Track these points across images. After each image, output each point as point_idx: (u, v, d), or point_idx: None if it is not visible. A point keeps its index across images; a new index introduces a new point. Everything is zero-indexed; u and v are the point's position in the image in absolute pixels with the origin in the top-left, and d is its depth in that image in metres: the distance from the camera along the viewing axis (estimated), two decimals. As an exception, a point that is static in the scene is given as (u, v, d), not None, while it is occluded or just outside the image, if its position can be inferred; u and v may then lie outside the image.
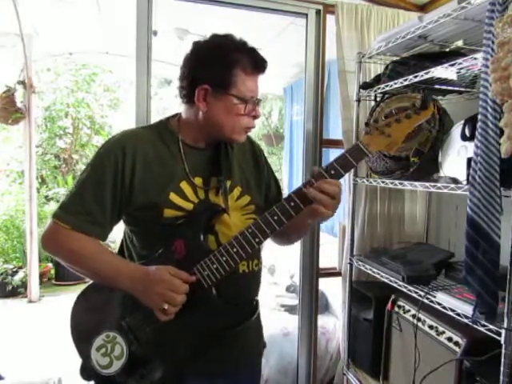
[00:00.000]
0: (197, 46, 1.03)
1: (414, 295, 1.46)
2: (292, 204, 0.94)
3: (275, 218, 0.94)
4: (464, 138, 1.38)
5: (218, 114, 1.00)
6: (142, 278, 0.93)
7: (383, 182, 1.72)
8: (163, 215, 0.99)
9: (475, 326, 1.18)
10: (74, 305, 1.05)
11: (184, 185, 1.02)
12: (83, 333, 1.01)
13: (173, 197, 1.00)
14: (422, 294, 1.42)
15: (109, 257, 0.99)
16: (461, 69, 1.36)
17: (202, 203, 1.03)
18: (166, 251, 0.99)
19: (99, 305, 1.02)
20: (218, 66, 0.98)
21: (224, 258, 0.95)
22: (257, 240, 0.95)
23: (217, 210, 1.03)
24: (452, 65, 1.35)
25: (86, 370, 1.00)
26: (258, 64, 1.01)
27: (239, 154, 1.15)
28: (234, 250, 0.95)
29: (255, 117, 1.05)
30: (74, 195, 1.00)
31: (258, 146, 1.24)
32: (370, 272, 1.77)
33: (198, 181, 1.04)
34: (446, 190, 1.33)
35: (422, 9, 2.17)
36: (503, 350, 1.09)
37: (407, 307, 1.61)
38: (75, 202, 0.99)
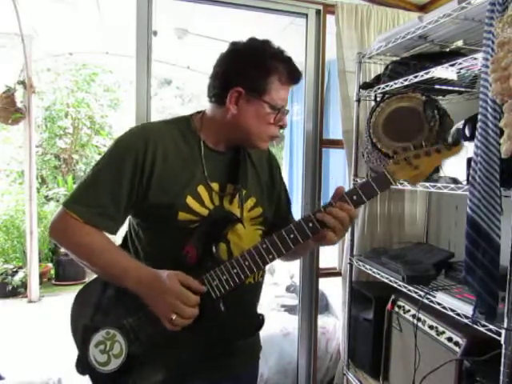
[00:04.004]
0: (235, 47, 1.01)
1: (414, 295, 1.46)
2: (310, 225, 0.93)
3: (291, 236, 0.93)
4: (464, 137, 1.38)
5: (247, 119, 0.99)
6: (151, 282, 0.90)
7: (383, 182, 1.71)
8: (177, 218, 0.98)
9: (475, 326, 1.18)
10: (76, 296, 1.04)
11: (201, 189, 1.01)
12: (83, 326, 1.00)
13: (190, 200, 0.99)
14: (422, 294, 1.42)
15: (117, 254, 0.97)
16: (461, 69, 1.36)
17: (218, 211, 1.02)
18: (176, 255, 0.97)
19: (103, 300, 1.01)
20: (256, 70, 0.97)
21: (235, 270, 0.94)
22: (270, 256, 0.94)
23: (232, 219, 1.01)
24: (452, 65, 1.35)
25: (82, 364, 0.99)
26: (293, 75, 1.01)
27: (257, 163, 1.14)
28: (246, 263, 0.94)
29: (282, 126, 1.04)
30: (88, 186, 0.97)
31: (274, 156, 1.23)
32: (370, 272, 1.77)
33: (214, 186, 1.03)
34: (446, 190, 1.33)
35: (422, 9, 2.17)
36: (503, 350, 1.09)
37: (407, 307, 1.61)
38: (89, 194, 0.96)
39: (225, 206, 1.04)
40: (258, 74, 0.97)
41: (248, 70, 0.97)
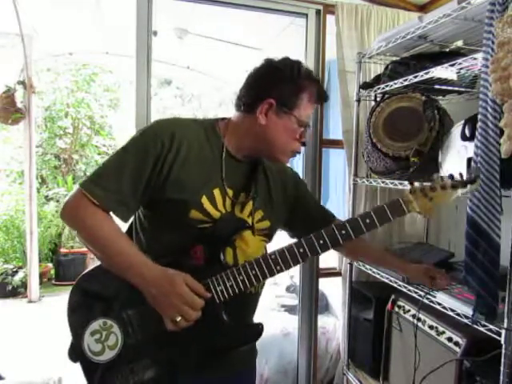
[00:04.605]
0: (270, 62, 1.05)
1: (414, 295, 1.46)
2: (321, 242, 0.95)
3: (301, 250, 0.95)
4: (464, 138, 1.38)
5: (275, 131, 1.02)
6: (157, 281, 0.90)
7: (383, 182, 1.72)
8: (189, 215, 0.98)
9: (475, 326, 1.18)
10: (78, 280, 1.04)
11: (217, 192, 1.02)
12: (80, 313, 0.99)
13: (204, 200, 1.00)
14: (422, 294, 1.42)
15: (126, 246, 0.95)
16: (461, 69, 1.36)
17: (231, 217, 1.03)
18: (182, 253, 0.98)
19: (104, 289, 1.00)
20: (289, 86, 1.01)
21: (241, 278, 0.95)
22: (278, 268, 0.95)
23: (244, 225, 1.03)
24: (452, 65, 1.35)
25: (75, 352, 0.98)
26: (321, 95, 1.06)
27: (271, 177, 1.15)
28: (253, 272, 0.95)
29: (304, 143, 1.07)
30: (110, 170, 0.96)
31: (295, 173, 1.25)
32: (370, 272, 1.77)
33: (229, 192, 1.04)
34: (446, 190, 1.33)
35: (422, 9, 2.17)
36: (503, 350, 1.09)
37: (407, 307, 1.61)
38: (110, 179, 0.95)
39: (236, 213, 1.05)
40: (291, 90, 1.01)
41: (282, 84, 1.01)
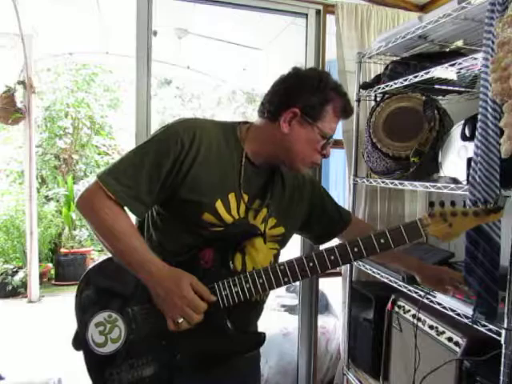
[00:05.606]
0: (298, 71, 1.04)
1: (414, 295, 1.46)
2: (332, 258, 0.94)
3: (310, 264, 0.94)
4: (464, 138, 1.38)
5: (297, 140, 1.01)
6: (164, 280, 0.91)
7: (383, 182, 1.72)
8: (201, 217, 0.98)
9: (475, 326, 1.18)
10: (87, 272, 1.05)
11: (232, 196, 1.02)
12: (87, 303, 1.01)
13: (219, 205, 0.99)
14: (422, 294, 1.42)
15: (137, 243, 0.94)
16: (461, 69, 1.36)
17: (243, 223, 1.03)
18: (191, 255, 0.98)
19: (113, 283, 1.01)
20: (315, 96, 1.00)
21: (247, 285, 0.95)
22: (285, 279, 0.95)
23: (256, 232, 1.03)
24: (452, 65, 1.35)
25: (79, 341, 0.99)
26: (346, 109, 1.04)
27: (287, 185, 1.14)
28: (260, 280, 0.95)
29: (325, 155, 1.06)
30: (128, 166, 0.96)
31: (309, 178, 1.24)
32: (370, 272, 1.77)
33: (244, 197, 1.04)
34: (446, 190, 1.33)
35: (422, 9, 2.17)
36: (503, 350, 1.09)
37: (407, 307, 1.61)
38: (128, 175, 0.95)
39: (249, 219, 1.05)
40: (316, 100, 1.00)
41: (308, 94, 1.00)
